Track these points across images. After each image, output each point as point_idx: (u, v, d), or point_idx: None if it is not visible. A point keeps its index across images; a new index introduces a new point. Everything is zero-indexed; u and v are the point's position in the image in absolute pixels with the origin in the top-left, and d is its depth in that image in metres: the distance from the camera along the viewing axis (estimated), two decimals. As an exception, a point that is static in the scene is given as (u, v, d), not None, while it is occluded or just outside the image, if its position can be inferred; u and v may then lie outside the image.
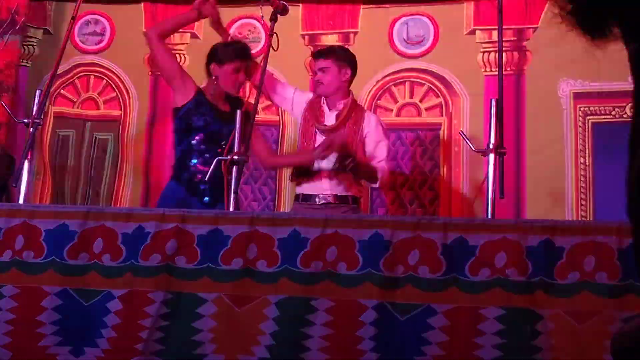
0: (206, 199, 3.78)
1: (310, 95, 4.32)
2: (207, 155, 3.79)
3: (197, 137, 3.85)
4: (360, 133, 4.06)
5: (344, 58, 4.18)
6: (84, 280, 2.66)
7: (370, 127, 4.09)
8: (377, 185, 4.11)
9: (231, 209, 3.14)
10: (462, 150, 5.00)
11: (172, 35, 5.54)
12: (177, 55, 5.53)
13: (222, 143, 3.72)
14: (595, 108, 4.96)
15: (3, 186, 5.07)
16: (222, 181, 3.38)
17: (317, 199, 4.06)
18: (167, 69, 4.00)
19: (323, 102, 4.19)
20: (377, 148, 4.08)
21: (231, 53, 3.95)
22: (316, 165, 4.00)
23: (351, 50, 4.32)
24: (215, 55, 3.99)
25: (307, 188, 4.09)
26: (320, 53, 4.24)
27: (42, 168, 5.47)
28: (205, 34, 5.32)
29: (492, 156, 3.09)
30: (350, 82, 4.17)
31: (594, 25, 0.69)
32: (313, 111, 4.16)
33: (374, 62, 5.23)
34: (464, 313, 2.44)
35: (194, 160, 3.84)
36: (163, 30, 4.03)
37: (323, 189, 4.07)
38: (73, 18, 3.76)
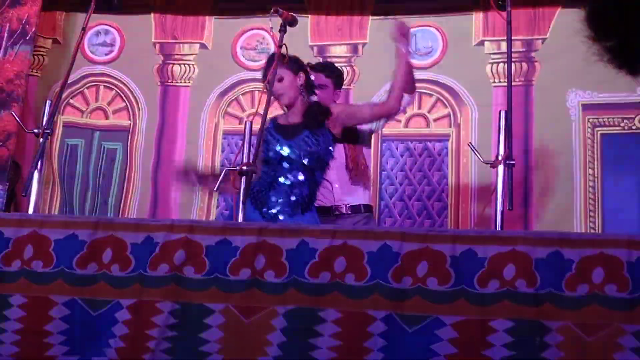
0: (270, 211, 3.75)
1: None
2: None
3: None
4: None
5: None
6: (92, 290, 2.66)
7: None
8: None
9: (239, 219, 3.14)
10: (471, 162, 5.00)
11: (181, 46, 5.60)
12: (185, 65, 5.55)
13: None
14: (604, 119, 4.95)
15: (11, 193, 5.10)
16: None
17: (329, 212, 4.07)
18: None
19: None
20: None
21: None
22: None
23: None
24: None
25: (319, 200, 4.08)
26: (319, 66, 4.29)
27: (51, 177, 5.48)
28: (214, 45, 5.34)
29: (501, 167, 3.08)
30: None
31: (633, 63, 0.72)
32: None
33: (383, 72, 5.21)
34: (472, 325, 2.43)
35: None
36: None
37: (335, 200, 4.08)
38: (84, 29, 3.78)
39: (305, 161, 3.70)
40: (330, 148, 3.78)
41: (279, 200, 3.70)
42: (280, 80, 3.77)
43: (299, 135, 3.73)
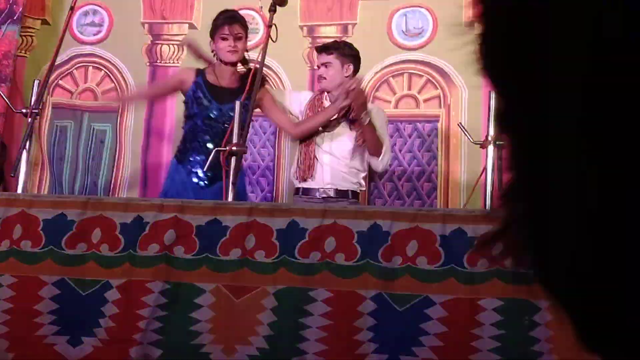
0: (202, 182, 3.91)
1: (305, 93, 4.39)
2: (207, 137, 3.95)
3: (194, 123, 4.01)
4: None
5: (348, 53, 4.18)
6: (82, 270, 2.66)
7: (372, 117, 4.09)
8: (379, 164, 4.10)
9: (230, 199, 3.14)
10: (461, 142, 5.00)
11: (169, 26, 5.57)
12: (174, 46, 5.53)
13: (225, 123, 3.86)
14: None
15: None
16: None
17: (317, 193, 4.08)
18: (166, 92, 4.36)
19: (325, 98, 4.20)
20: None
21: (218, 21, 4.06)
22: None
23: (353, 45, 4.32)
24: (210, 34, 4.11)
25: (307, 182, 4.11)
26: (324, 47, 4.24)
27: (40, 159, 5.46)
28: (202, 26, 5.31)
29: (490, 148, 3.09)
30: (352, 77, 4.17)
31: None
32: (314, 108, 4.17)
33: (373, 53, 5.22)
34: (462, 304, 2.45)
35: (194, 144, 3.99)
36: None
37: (324, 182, 4.09)
38: (72, 8, 3.76)
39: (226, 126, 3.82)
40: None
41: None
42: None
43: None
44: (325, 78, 4.17)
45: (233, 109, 3.62)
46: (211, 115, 3.98)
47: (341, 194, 4.08)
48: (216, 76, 4.06)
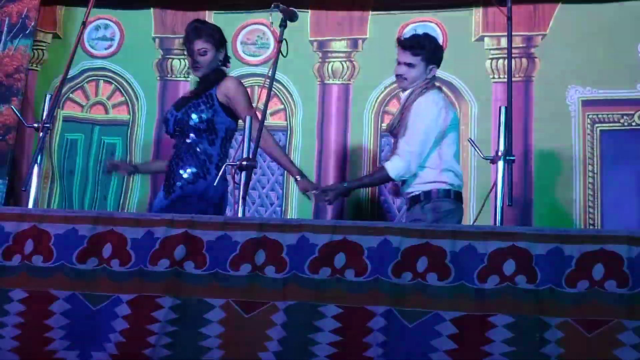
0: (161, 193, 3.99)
1: None
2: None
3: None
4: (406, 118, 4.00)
5: (434, 56, 4.05)
6: (92, 284, 2.66)
7: (412, 108, 4.00)
8: (389, 171, 3.95)
9: (239, 214, 3.14)
10: (470, 157, 5.00)
11: (180, 41, 5.59)
12: (185, 60, 5.55)
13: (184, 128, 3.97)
14: (604, 115, 4.95)
15: (10, 188, 5.09)
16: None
17: None
18: None
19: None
20: (405, 134, 3.97)
21: (184, 36, 4.14)
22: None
23: (439, 43, 4.22)
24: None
25: None
26: (410, 46, 4.04)
27: (50, 172, 5.48)
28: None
29: (500, 163, 3.08)
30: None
31: None
32: None
33: (382, 68, 5.23)
34: (472, 321, 2.44)
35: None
36: None
37: None
38: (84, 23, 3.78)
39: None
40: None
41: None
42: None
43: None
44: (406, 79, 4.04)
45: (186, 112, 3.75)
46: (173, 125, 4.04)
47: None
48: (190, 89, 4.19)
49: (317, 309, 2.53)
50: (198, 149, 3.93)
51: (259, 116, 3.64)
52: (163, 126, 4.20)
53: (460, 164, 4.10)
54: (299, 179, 4.00)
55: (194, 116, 3.94)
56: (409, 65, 4.02)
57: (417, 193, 3.95)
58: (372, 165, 5.19)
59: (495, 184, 3.09)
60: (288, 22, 3.64)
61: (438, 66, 4.09)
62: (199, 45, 4.02)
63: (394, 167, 3.93)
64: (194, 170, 3.88)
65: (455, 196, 3.95)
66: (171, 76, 5.57)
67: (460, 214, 3.98)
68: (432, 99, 3.97)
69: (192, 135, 3.95)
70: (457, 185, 3.98)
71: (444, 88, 4.39)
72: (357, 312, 2.50)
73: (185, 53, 4.12)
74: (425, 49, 4.02)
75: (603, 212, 4.81)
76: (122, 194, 5.43)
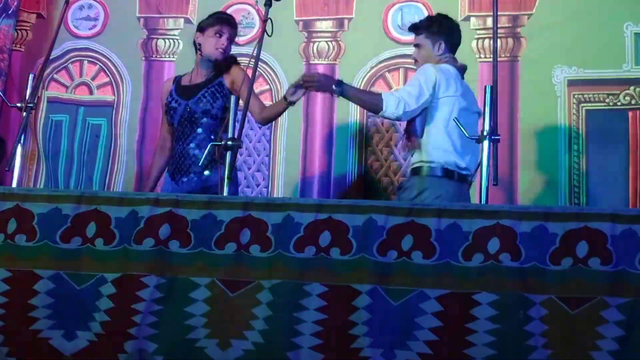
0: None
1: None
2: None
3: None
4: None
5: (437, 30, 4.05)
6: (76, 264, 2.65)
7: None
8: (386, 113, 3.84)
9: (224, 194, 3.14)
10: (456, 137, 4.99)
11: (165, 20, 5.56)
12: (170, 40, 5.52)
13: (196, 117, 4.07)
14: (589, 95, 4.96)
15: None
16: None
17: None
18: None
19: None
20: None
21: (212, 18, 4.23)
22: None
23: (447, 18, 4.18)
24: (199, 26, 4.27)
25: None
26: (412, 27, 4.15)
27: (35, 153, 5.45)
28: (198, 19, 5.30)
29: (486, 143, 3.09)
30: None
31: None
32: None
33: (368, 48, 5.22)
34: (457, 298, 2.45)
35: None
36: None
37: None
38: (67, 2, 3.76)
39: None
40: None
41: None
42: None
43: None
44: (417, 60, 4.11)
45: (196, 102, 3.73)
46: (181, 114, 4.11)
47: None
48: (191, 76, 4.23)
49: (302, 287, 2.53)
50: (212, 137, 4.00)
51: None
52: (166, 115, 4.22)
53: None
54: (287, 96, 4.01)
55: (211, 104, 4.06)
56: (416, 46, 4.11)
57: (418, 166, 3.95)
58: (358, 148, 5.18)
59: (480, 163, 3.10)
60: (273, 1, 3.62)
61: (449, 41, 4.07)
62: (234, 33, 4.23)
63: (387, 99, 3.82)
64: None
65: (445, 174, 3.89)
66: (156, 56, 5.53)
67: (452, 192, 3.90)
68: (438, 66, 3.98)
69: (206, 122, 4.06)
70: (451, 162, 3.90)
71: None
72: (342, 290, 2.51)
73: (206, 30, 4.20)
74: (424, 26, 4.08)
75: (588, 191, 4.83)
76: (108, 175, 5.41)
